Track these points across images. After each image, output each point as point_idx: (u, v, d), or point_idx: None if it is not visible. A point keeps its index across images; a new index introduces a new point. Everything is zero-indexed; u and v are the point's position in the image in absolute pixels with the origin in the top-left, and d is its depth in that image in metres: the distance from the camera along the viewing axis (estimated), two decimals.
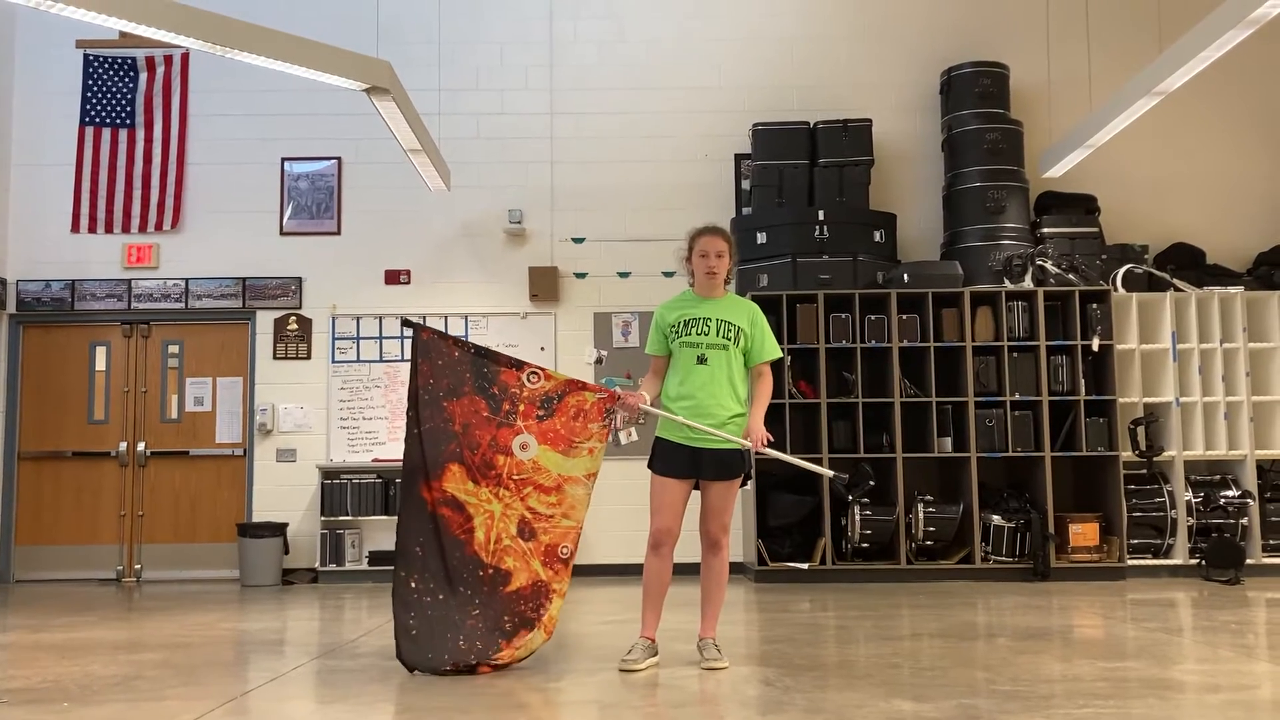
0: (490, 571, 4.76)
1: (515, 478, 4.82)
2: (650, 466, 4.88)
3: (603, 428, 4.90)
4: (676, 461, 4.80)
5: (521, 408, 4.86)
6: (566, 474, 4.84)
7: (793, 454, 8.51)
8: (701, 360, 4.78)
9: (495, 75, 9.92)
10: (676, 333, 4.86)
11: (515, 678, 4.59)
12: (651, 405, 4.89)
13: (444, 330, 5.01)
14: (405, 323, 5.06)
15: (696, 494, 4.89)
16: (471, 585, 4.75)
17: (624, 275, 9.63)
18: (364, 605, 7.50)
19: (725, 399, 4.77)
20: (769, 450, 4.74)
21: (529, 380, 4.89)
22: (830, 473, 5.09)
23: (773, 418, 8.56)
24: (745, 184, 9.74)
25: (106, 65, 9.83)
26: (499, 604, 4.73)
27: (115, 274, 9.72)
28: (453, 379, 4.86)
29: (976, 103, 9.45)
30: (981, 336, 8.81)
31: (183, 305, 9.71)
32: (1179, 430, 8.80)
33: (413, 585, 4.74)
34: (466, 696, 4.23)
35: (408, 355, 9.45)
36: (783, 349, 8.57)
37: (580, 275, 9.71)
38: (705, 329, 4.82)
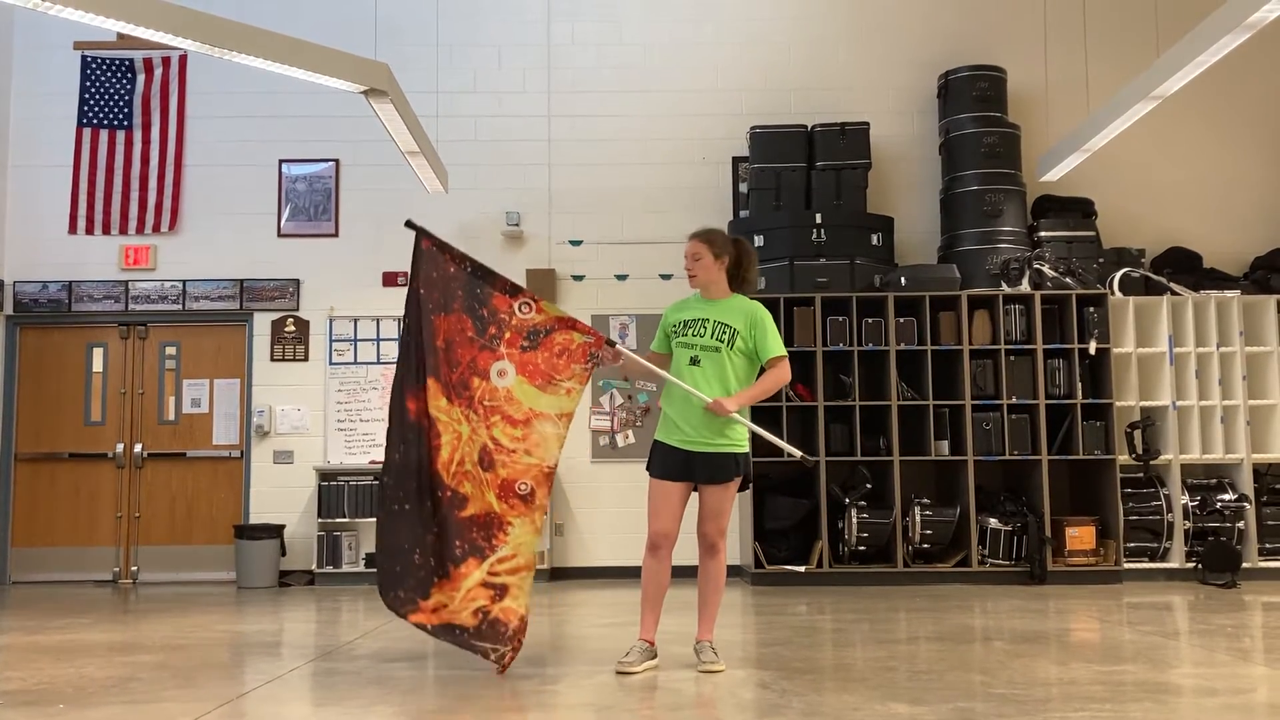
0: (449, 494, 4.72)
1: (486, 403, 4.77)
2: (648, 469, 4.89)
3: (584, 370, 4.84)
4: (672, 464, 4.80)
5: (507, 335, 4.81)
6: (538, 409, 4.78)
7: (789, 456, 8.57)
8: (694, 361, 4.79)
9: (493, 78, 9.93)
10: (676, 333, 4.89)
11: (511, 680, 4.59)
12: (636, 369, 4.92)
13: (446, 242, 4.92)
14: (409, 224, 4.98)
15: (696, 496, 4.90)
16: (433, 503, 4.73)
17: (621, 278, 9.63)
18: (361, 607, 7.50)
19: (716, 395, 4.75)
20: (736, 418, 4.70)
21: (520, 309, 4.83)
22: (798, 452, 5.03)
23: (771, 419, 8.63)
24: (743, 187, 9.75)
25: (104, 67, 9.83)
26: (454, 527, 4.70)
27: (112, 275, 9.71)
28: (444, 294, 4.81)
29: (974, 106, 9.46)
30: (979, 340, 8.81)
31: (180, 307, 9.70)
32: (1175, 434, 8.81)
33: (388, 494, 4.74)
34: (462, 699, 4.23)
35: None
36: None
37: (578, 278, 9.71)
38: (701, 330, 4.83)
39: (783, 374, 4.87)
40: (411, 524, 4.71)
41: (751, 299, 4.98)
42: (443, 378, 4.75)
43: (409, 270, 4.88)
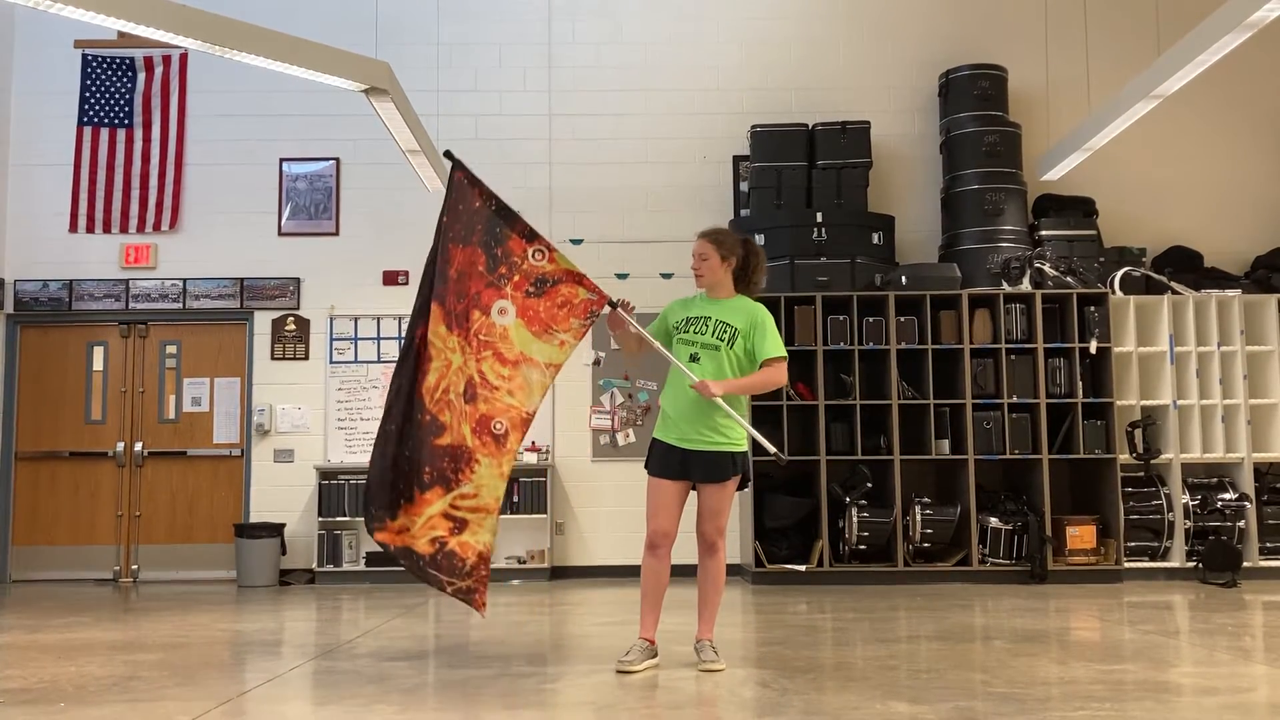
0: (428, 418, 4.78)
1: (481, 337, 4.85)
2: (646, 468, 4.90)
3: (582, 325, 4.91)
4: (670, 463, 4.81)
5: (515, 278, 4.89)
6: (529, 354, 4.87)
7: (790, 454, 8.58)
8: (694, 359, 4.80)
9: (493, 77, 9.92)
10: (678, 329, 4.90)
11: (511, 678, 4.60)
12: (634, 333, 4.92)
13: (477, 177, 4.99)
14: (448, 155, 5.05)
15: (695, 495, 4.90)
16: (411, 425, 4.78)
17: (622, 276, 9.62)
18: (361, 606, 7.50)
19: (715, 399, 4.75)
20: (721, 403, 4.68)
21: (534, 256, 4.91)
22: (773, 448, 4.93)
23: (771, 419, 8.63)
24: (743, 186, 9.75)
25: (105, 65, 9.82)
26: (426, 452, 4.76)
27: (113, 274, 9.71)
28: (466, 226, 4.90)
29: (975, 105, 9.46)
30: (979, 339, 8.81)
31: (180, 305, 9.71)
32: (1176, 433, 8.81)
33: (386, 414, 4.84)
34: (463, 698, 4.23)
35: None
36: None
37: None
38: (703, 328, 4.84)
39: (777, 375, 4.86)
40: (394, 444, 4.79)
41: (755, 301, 4.97)
42: (448, 305, 4.83)
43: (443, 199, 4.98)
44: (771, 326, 4.88)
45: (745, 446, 4.87)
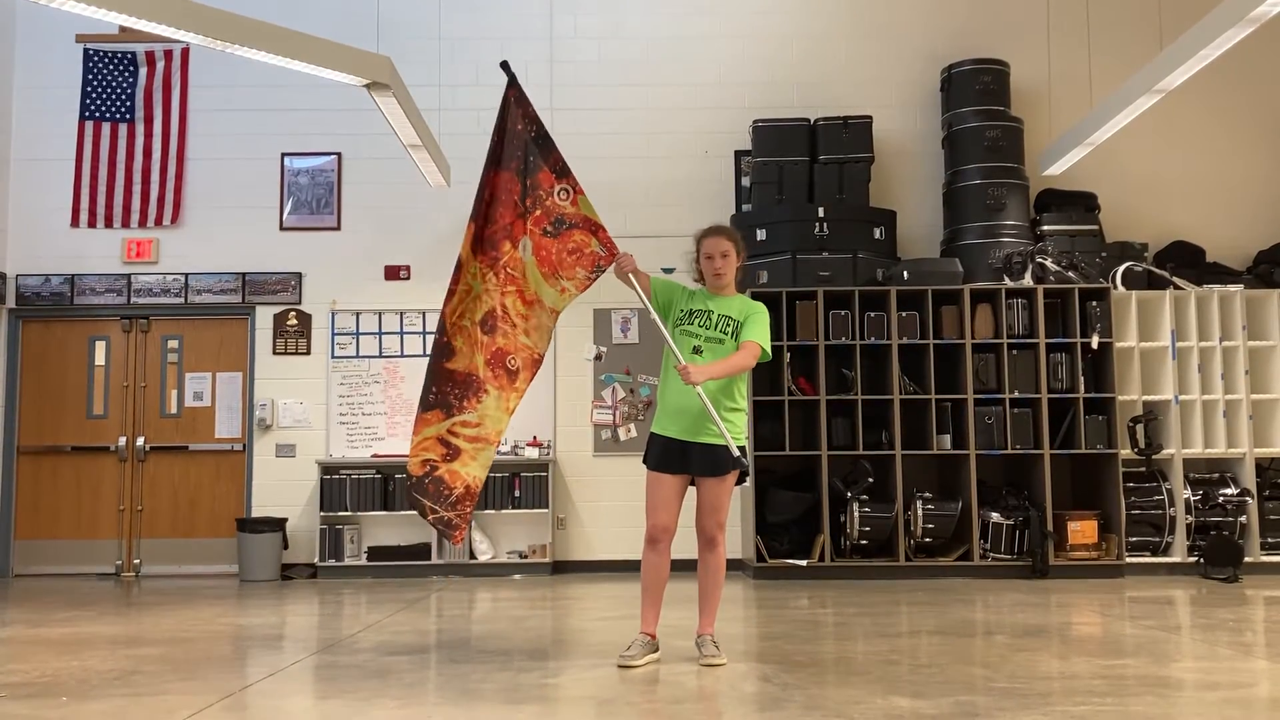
0: (443, 340, 4.79)
1: (509, 270, 4.82)
2: (645, 462, 4.90)
3: (587, 276, 4.86)
4: (669, 456, 4.80)
5: (537, 212, 4.85)
6: (539, 295, 4.85)
7: (792, 451, 8.58)
8: (696, 351, 4.79)
9: (495, 71, 9.68)
10: (680, 319, 4.88)
11: (513, 672, 4.60)
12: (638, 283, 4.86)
13: (526, 97, 4.96)
14: (504, 66, 5.01)
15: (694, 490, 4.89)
16: (434, 345, 4.83)
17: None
18: (363, 600, 7.51)
19: (716, 392, 4.75)
20: (699, 389, 4.64)
21: (559, 195, 4.86)
22: (736, 451, 4.78)
23: (773, 415, 8.63)
24: (745, 180, 9.74)
25: (106, 60, 9.82)
26: (434, 374, 4.78)
27: (115, 269, 9.72)
28: (508, 147, 4.86)
29: (977, 100, 9.45)
30: (981, 334, 8.81)
31: (182, 300, 9.71)
32: (1178, 428, 8.81)
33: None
34: (464, 692, 4.23)
35: (407, 352, 9.60)
36: (782, 346, 8.66)
37: None
38: (706, 322, 4.84)
39: (747, 358, 4.76)
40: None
41: (755, 300, 4.99)
42: (477, 228, 4.81)
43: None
44: (765, 320, 4.87)
45: (743, 440, 4.86)
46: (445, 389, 4.75)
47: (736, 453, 4.73)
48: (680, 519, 4.87)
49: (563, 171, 4.88)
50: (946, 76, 9.66)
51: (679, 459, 4.79)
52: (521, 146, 4.85)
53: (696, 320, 4.85)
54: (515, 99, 4.91)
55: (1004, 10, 9.96)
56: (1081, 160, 8.92)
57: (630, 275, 4.83)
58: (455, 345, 4.77)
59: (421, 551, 9.09)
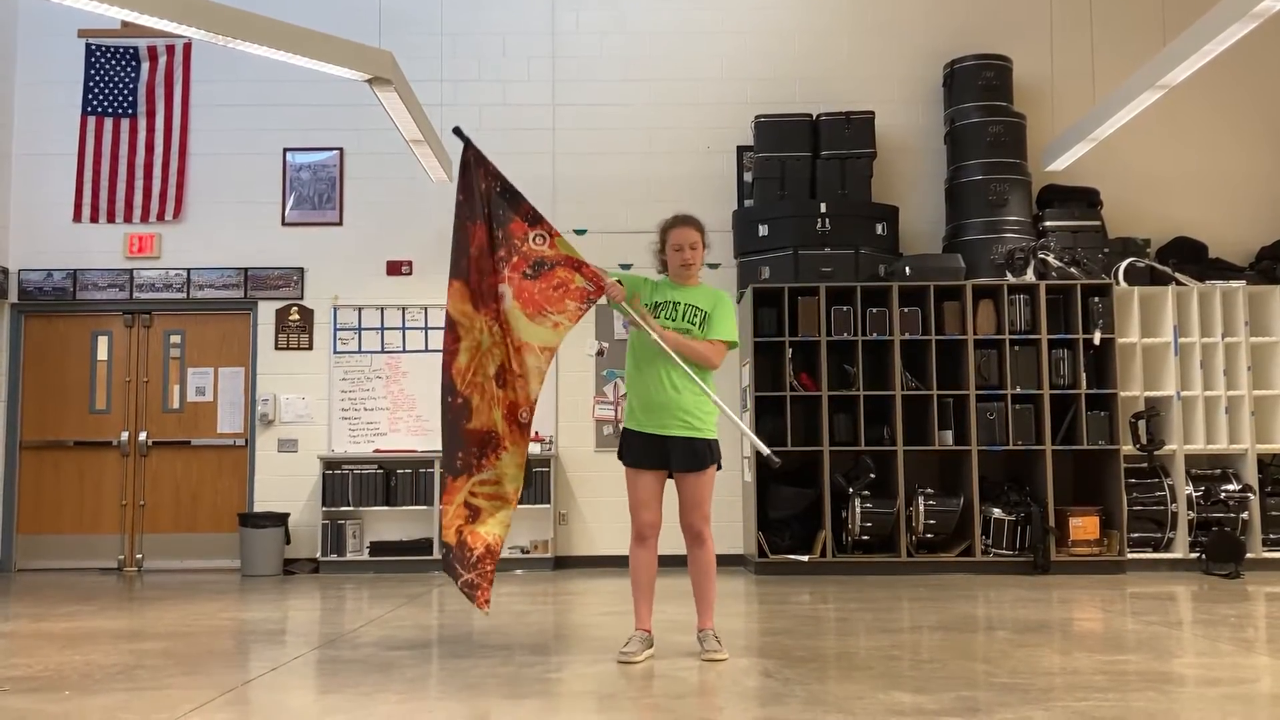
0: (459, 401, 4.71)
1: (507, 323, 4.78)
2: (620, 459, 4.88)
3: (578, 309, 4.80)
4: (646, 452, 4.79)
5: (514, 259, 4.79)
6: (524, 339, 4.76)
7: (794, 446, 8.58)
8: None
9: (497, 66, 9.91)
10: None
11: (515, 667, 4.60)
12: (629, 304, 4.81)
13: (484, 156, 4.92)
14: (456, 131, 5.00)
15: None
16: (441, 407, 4.73)
17: (626, 267, 9.57)
18: (365, 595, 7.52)
19: (687, 382, 4.73)
20: (718, 403, 4.66)
21: (534, 240, 4.81)
22: (766, 449, 4.93)
23: (774, 410, 8.63)
24: (747, 176, 9.74)
25: (108, 55, 9.82)
26: (458, 437, 4.71)
27: (117, 264, 9.72)
28: (478, 204, 4.84)
29: (979, 95, 9.44)
30: (983, 330, 8.80)
31: (184, 295, 9.72)
32: (1180, 424, 8.80)
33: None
34: (466, 687, 4.24)
35: (409, 347, 9.60)
36: (784, 341, 8.67)
37: None
38: (673, 314, 4.85)
39: (714, 354, 4.79)
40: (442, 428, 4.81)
41: (718, 290, 5.02)
42: (472, 283, 4.76)
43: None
44: (732, 314, 4.93)
45: (716, 433, 4.85)
46: (471, 449, 4.69)
47: (767, 452, 4.85)
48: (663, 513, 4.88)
49: (535, 219, 4.83)
50: (949, 72, 9.65)
51: (657, 454, 4.78)
52: (488, 202, 4.83)
53: (663, 312, 4.85)
54: (475, 159, 4.88)
55: (1007, 6, 9.95)
56: (1084, 156, 8.91)
57: (624, 304, 4.79)
58: (474, 403, 4.70)
59: (423, 546, 9.09)
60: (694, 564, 4.87)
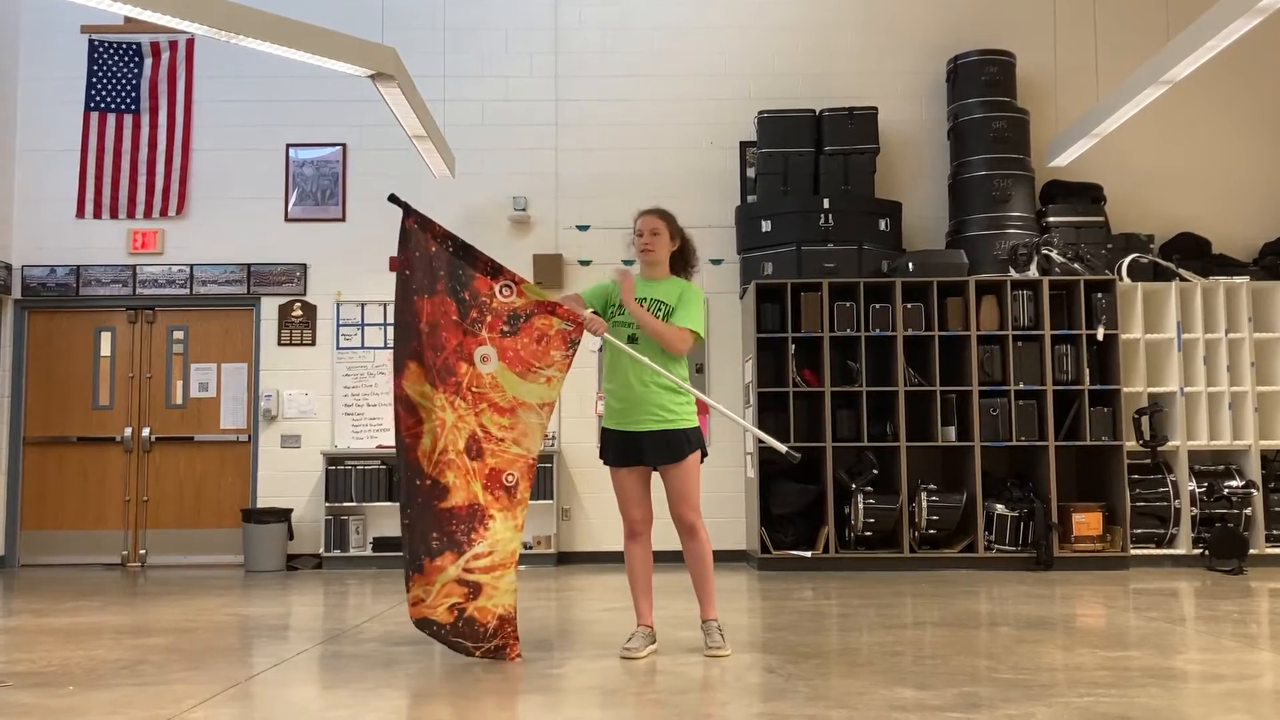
0: (428, 483, 4.56)
1: (474, 390, 4.60)
2: (602, 458, 4.88)
3: (565, 357, 4.70)
4: (623, 451, 4.79)
5: (489, 318, 4.65)
6: (521, 398, 4.64)
7: (797, 442, 8.58)
8: (632, 339, 4.77)
9: (500, 62, 9.91)
10: (613, 313, 4.86)
11: (517, 664, 4.61)
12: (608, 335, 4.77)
13: (429, 219, 4.76)
14: (393, 199, 4.91)
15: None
16: (408, 492, 4.59)
17: (629, 263, 9.53)
18: (368, 591, 7.52)
19: (657, 375, 4.72)
20: (733, 415, 4.65)
21: (501, 292, 4.67)
22: (783, 447, 4.96)
23: (777, 406, 8.63)
24: (750, 172, 9.73)
25: (111, 50, 9.82)
26: (430, 518, 4.56)
27: (120, 260, 9.73)
28: (428, 274, 4.64)
29: (983, 91, 9.43)
30: (986, 326, 8.80)
31: (187, 291, 9.72)
32: (1183, 420, 8.80)
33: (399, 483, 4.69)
34: (470, 683, 4.24)
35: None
36: (788, 338, 8.67)
37: (584, 263, 9.70)
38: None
39: (681, 340, 4.74)
40: (403, 513, 4.66)
41: (688, 282, 4.99)
42: (426, 362, 4.58)
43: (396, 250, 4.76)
44: (699, 304, 4.86)
45: (696, 421, 4.83)
46: (449, 528, 4.55)
47: (785, 449, 4.88)
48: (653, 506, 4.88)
49: (496, 270, 4.69)
50: (952, 68, 9.64)
51: (634, 451, 4.77)
52: (444, 265, 4.65)
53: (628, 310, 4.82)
54: (419, 224, 4.70)
55: (1010, 1, 9.93)
56: (1087, 152, 8.89)
57: (606, 335, 4.74)
58: (446, 481, 4.55)
59: None
60: (689, 556, 4.86)
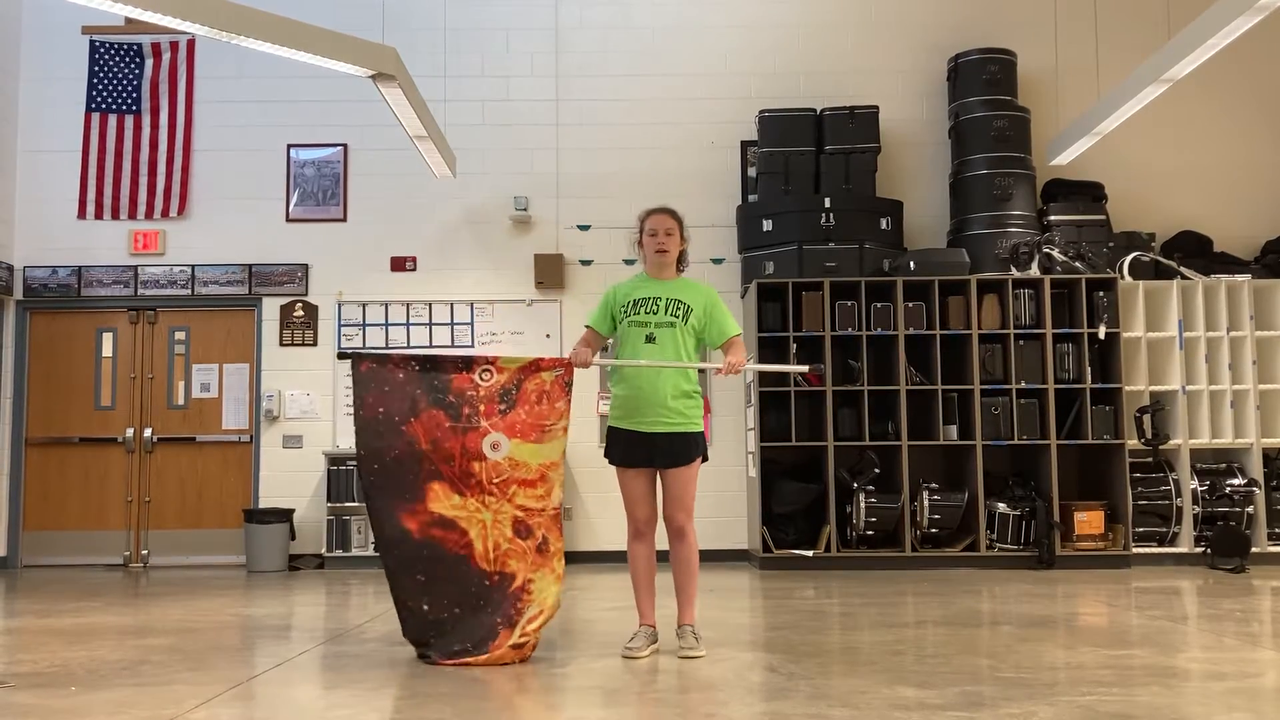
0: (496, 578, 4.68)
1: (496, 480, 4.69)
2: (607, 457, 4.89)
3: (567, 401, 4.78)
4: (632, 450, 4.80)
5: (482, 408, 4.71)
6: (546, 460, 4.73)
7: (798, 442, 8.59)
8: (650, 339, 4.79)
9: (501, 62, 9.91)
10: (625, 312, 4.88)
11: (520, 664, 4.60)
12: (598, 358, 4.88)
13: (382, 354, 4.78)
14: (342, 355, 4.97)
15: None
16: (482, 594, 4.68)
17: (630, 262, 9.59)
18: (370, 591, 7.53)
19: (673, 376, 4.76)
20: (751, 366, 4.76)
21: (482, 379, 4.74)
22: (804, 367, 5.21)
23: (779, 405, 8.63)
24: (751, 171, 9.73)
25: (112, 51, 9.83)
26: (508, 600, 4.67)
27: (122, 260, 9.74)
28: (406, 400, 4.71)
29: (984, 90, 9.43)
30: (988, 324, 8.79)
31: (189, 292, 9.73)
32: (1185, 418, 8.79)
33: (426, 608, 4.67)
34: (472, 683, 4.24)
35: (413, 343, 9.60)
36: (789, 337, 8.67)
37: (586, 262, 9.70)
38: (654, 308, 4.84)
39: (743, 348, 4.95)
40: (471, 621, 4.66)
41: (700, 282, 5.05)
42: (445, 475, 4.68)
43: (354, 401, 4.77)
44: (725, 307, 4.98)
45: (701, 426, 4.87)
46: (511, 608, 4.65)
47: (805, 369, 5.09)
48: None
49: (467, 363, 4.76)
50: (953, 66, 9.64)
51: (643, 452, 4.78)
52: (417, 384, 4.71)
53: (642, 308, 4.85)
54: (376, 362, 4.74)
55: (1011, 0, 9.92)
56: (1088, 150, 8.89)
57: (596, 360, 4.86)
58: (511, 569, 4.67)
59: None
60: (675, 559, 4.86)
